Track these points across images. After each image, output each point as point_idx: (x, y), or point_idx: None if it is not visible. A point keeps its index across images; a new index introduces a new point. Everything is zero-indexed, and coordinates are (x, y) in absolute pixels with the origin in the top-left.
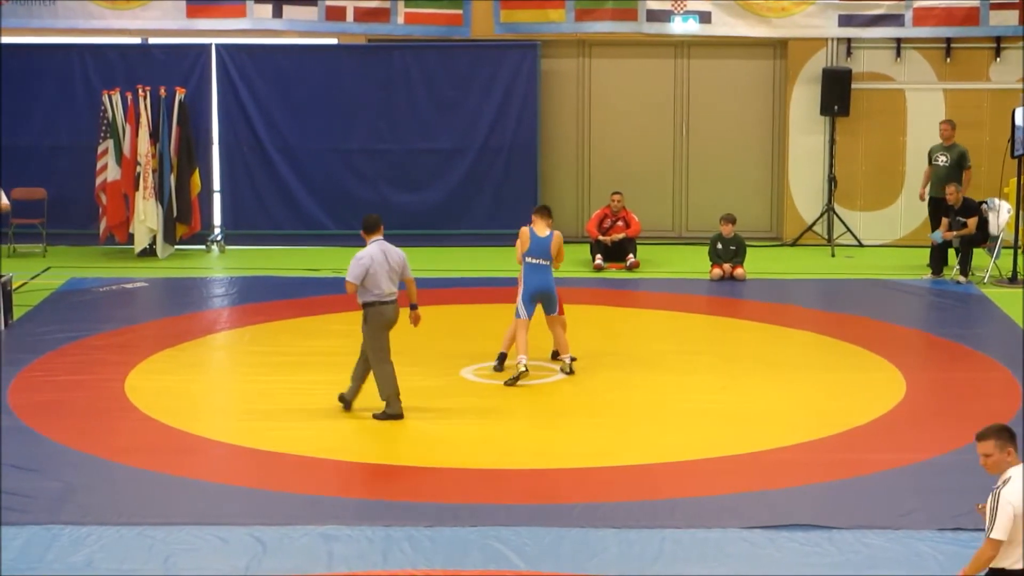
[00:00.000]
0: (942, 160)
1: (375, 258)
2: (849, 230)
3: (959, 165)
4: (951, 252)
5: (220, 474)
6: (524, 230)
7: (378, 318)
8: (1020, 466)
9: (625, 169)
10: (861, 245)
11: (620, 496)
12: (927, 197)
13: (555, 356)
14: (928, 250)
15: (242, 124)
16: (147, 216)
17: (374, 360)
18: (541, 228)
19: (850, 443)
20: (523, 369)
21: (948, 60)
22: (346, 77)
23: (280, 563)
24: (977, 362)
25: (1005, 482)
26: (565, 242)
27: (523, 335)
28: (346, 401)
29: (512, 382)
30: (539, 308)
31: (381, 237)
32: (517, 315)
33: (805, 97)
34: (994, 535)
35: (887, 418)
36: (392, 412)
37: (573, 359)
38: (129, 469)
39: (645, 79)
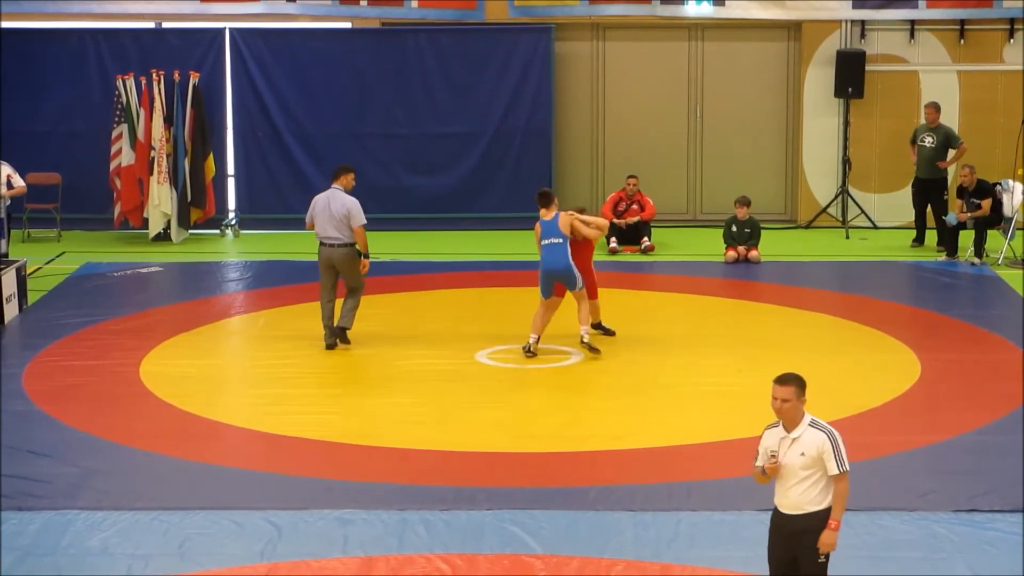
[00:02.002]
0: (928, 142)
1: (318, 202)
2: (863, 212)
3: (945, 146)
4: (962, 233)
5: (235, 458)
6: (536, 224)
7: (319, 256)
8: (808, 415)
9: (639, 152)
10: (875, 227)
11: (636, 479)
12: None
13: (597, 327)
14: (936, 232)
15: (256, 108)
16: (161, 201)
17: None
18: (544, 213)
19: (865, 425)
20: (531, 351)
21: (962, 42)
22: (360, 61)
23: (295, 547)
24: (991, 343)
25: (815, 425)
26: None
27: (539, 314)
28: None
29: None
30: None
31: (340, 187)
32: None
33: (819, 79)
34: (847, 468)
35: (902, 400)
36: (327, 340)
37: (610, 332)
38: (144, 454)
39: (659, 62)
